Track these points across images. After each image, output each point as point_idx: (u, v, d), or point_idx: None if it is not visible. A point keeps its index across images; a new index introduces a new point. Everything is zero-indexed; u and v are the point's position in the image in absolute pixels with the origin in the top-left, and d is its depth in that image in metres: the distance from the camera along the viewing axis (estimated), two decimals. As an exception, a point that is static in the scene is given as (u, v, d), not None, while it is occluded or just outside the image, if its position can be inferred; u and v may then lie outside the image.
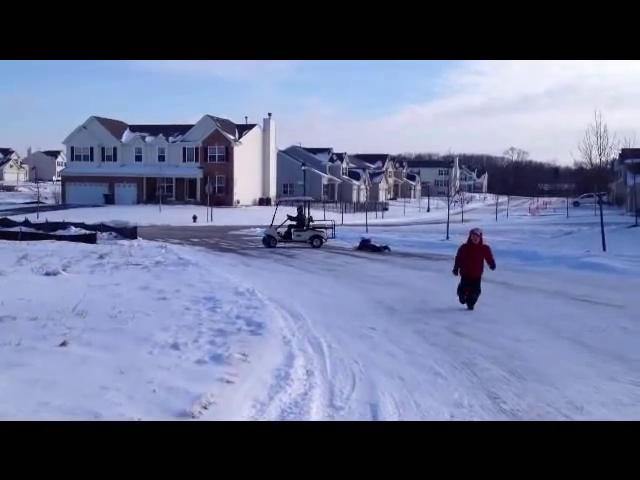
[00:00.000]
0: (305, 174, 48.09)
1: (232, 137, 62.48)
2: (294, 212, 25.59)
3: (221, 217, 46.89)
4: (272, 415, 5.01)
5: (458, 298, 10.53)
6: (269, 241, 24.64)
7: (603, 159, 22.92)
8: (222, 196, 59.25)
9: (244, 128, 64.73)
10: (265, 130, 67.03)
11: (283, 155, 74.42)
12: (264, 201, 65.73)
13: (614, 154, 34.53)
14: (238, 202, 61.69)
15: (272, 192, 68.19)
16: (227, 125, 63.98)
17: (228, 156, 61.73)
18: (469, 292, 10.39)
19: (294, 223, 24.93)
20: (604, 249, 19.45)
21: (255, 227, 37.19)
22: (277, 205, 27.96)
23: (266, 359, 6.71)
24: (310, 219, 25.37)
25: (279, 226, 24.67)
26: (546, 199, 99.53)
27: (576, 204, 73.30)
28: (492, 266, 10.51)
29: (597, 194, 35.69)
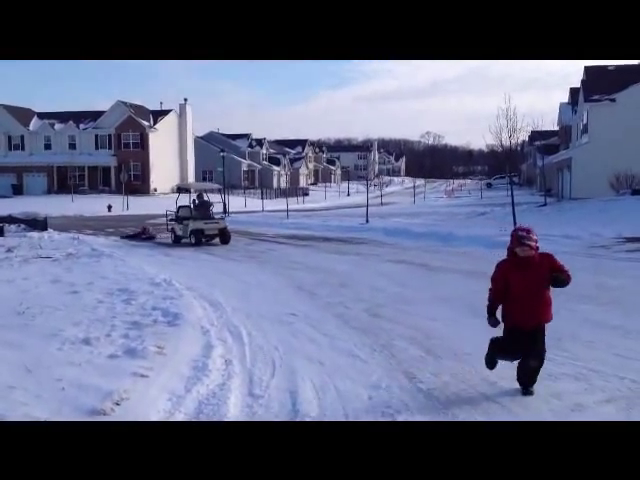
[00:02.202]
0: (224, 160, 47.34)
1: (147, 123, 60.86)
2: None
3: (138, 206, 45.60)
4: (189, 408, 4.89)
5: (488, 364, 5.67)
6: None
7: (513, 141, 23.62)
8: (138, 184, 57.72)
9: (159, 114, 63.15)
10: (181, 116, 65.64)
11: (201, 141, 73.19)
12: (182, 189, 64.49)
13: (523, 136, 35.85)
14: (155, 190, 60.26)
15: (191, 179, 66.96)
16: (141, 111, 62.23)
17: (143, 143, 60.12)
18: (524, 354, 5.33)
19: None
20: (515, 228, 20.16)
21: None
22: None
23: (183, 351, 6.55)
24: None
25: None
26: (461, 181, 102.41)
27: (489, 185, 75.84)
28: (565, 282, 5.34)
29: (508, 175, 36.98)
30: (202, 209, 20.59)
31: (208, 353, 6.46)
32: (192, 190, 23.55)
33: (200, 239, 19.71)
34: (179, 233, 20.46)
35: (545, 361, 6.12)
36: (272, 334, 7.52)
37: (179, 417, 4.69)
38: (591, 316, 8.12)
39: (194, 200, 21.00)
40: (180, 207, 21.22)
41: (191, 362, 6.14)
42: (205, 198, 21.22)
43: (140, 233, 23.17)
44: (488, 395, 5.26)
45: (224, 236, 19.95)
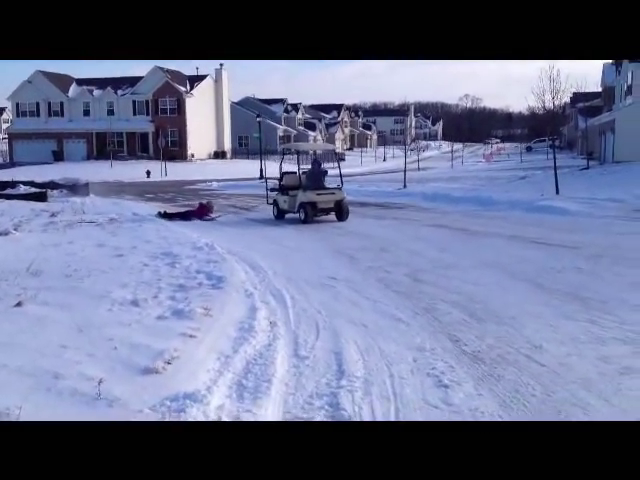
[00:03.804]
0: (260, 126, 47.25)
1: (183, 89, 60.94)
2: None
3: (176, 172, 46.06)
4: (237, 367, 5.00)
5: None
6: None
7: (556, 103, 23.00)
8: (176, 150, 58.09)
9: (195, 79, 63.12)
10: (217, 81, 65.52)
11: (237, 107, 73.04)
12: (219, 154, 64.76)
13: (566, 98, 34.92)
14: (192, 156, 60.62)
15: (227, 145, 67.16)
16: (178, 76, 62.26)
17: (180, 109, 60.29)
18: None
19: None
20: (557, 192, 19.79)
21: (211, 181, 36.68)
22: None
23: (228, 312, 6.66)
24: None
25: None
26: (500, 145, 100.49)
27: (529, 149, 74.22)
28: None
29: (550, 138, 36.17)
30: (314, 177, 16.52)
31: (253, 315, 6.56)
32: (294, 151, 20.19)
33: (312, 214, 15.70)
34: (283, 206, 16.55)
35: (592, 325, 6.10)
36: (314, 297, 7.58)
37: (228, 377, 4.80)
38: (637, 279, 7.98)
39: (312, 162, 17.26)
40: (285, 174, 17.23)
41: (237, 323, 6.24)
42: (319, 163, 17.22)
43: (195, 212, 17.44)
44: (534, 358, 5.23)
45: (341, 211, 15.90)
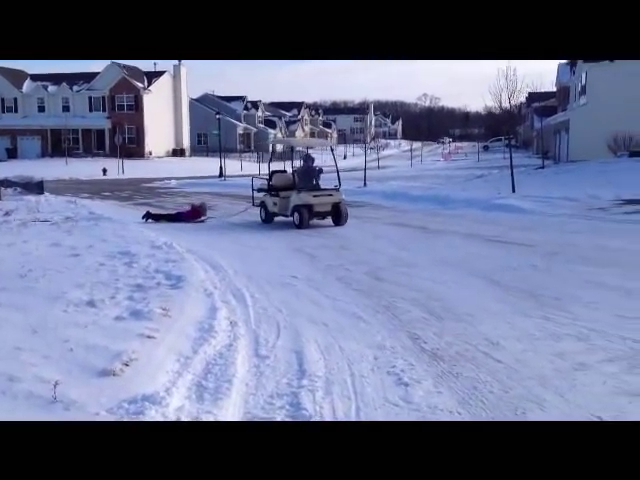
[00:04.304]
0: (220, 123, 46.87)
1: (141, 85, 60.11)
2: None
3: (133, 169, 45.41)
4: (197, 368, 4.96)
5: None
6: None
7: (512, 102, 23.44)
8: (133, 147, 57.28)
9: (153, 75, 62.33)
10: (175, 77, 64.82)
11: (196, 104, 72.37)
12: (178, 152, 64.06)
13: (522, 97, 35.63)
14: (150, 153, 59.84)
15: (186, 142, 66.52)
16: (135, 72, 61.37)
17: (137, 105, 59.46)
18: None
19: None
20: (513, 191, 20.14)
21: (170, 179, 36.28)
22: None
23: (188, 312, 6.59)
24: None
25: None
26: (458, 144, 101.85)
27: (486, 148, 75.47)
28: None
29: (506, 138, 36.80)
30: (308, 175, 14.97)
31: (213, 315, 6.50)
32: (285, 147, 19.35)
33: (307, 218, 14.06)
34: (273, 209, 14.94)
35: (547, 321, 6.24)
36: (275, 296, 7.56)
37: (188, 378, 4.75)
38: (591, 277, 8.18)
39: (304, 159, 15.54)
40: (274, 172, 15.64)
41: (197, 323, 6.18)
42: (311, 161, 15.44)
43: (186, 214, 16.23)
44: (491, 355, 5.32)
45: (339, 214, 14.35)
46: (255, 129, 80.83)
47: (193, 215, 16.12)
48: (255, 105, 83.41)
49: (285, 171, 16.08)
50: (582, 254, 10.02)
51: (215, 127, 48.24)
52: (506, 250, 10.57)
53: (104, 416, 3.95)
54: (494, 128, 75.64)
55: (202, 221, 16.03)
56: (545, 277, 8.35)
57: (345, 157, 74.88)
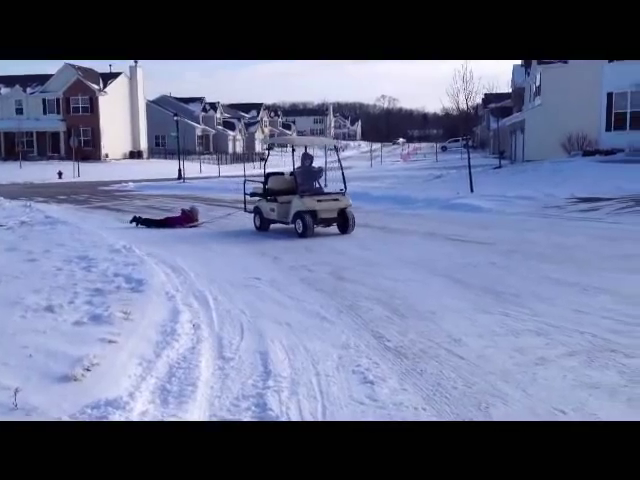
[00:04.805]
0: (178, 125, 46.41)
1: (96, 87, 59.16)
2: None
3: (89, 172, 44.62)
4: (160, 372, 4.89)
5: None
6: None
7: (469, 103, 23.81)
8: (89, 150, 56.35)
9: (109, 77, 61.42)
10: (132, 79, 63.97)
11: (153, 105, 71.56)
12: (135, 154, 63.23)
13: (479, 99, 36.34)
14: (107, 156, 58.92)
15: (143, 145, 65.70)
16: (90, 74, 60.35)
17: (93, 107, 58.52)
18: None
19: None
20: (472, 190, 20.46)
21: (127, 182, 35.76)
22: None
23: (149, 316, 6.50)
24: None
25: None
26: (417, 145, 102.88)
27: (444, 149, 76.40)
28: None
29: (463, 138, 37.33)
30: (308, 178, 13.60)
31: (175, 318, 6.42)
32: (277, 145, 17.00)
33: (312, 226, 12.64)
34: (270, 215, 13.61)
35: (507, 318, 6.34)
36: (238, 298, 7.51)
37: (151, 382, 4.68)
38: (549, 274, 8.36)
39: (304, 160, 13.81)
40: (270, 174, 14.22)
41: (159, 327, 6.09)
42: (311, 162, 14.01)
43: (177, 219, 15.60)
44: (454, 351, 5.39)
45: (346, 221, 12.99)
46: (214, 131, 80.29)
47: (185, 220, 15.35)
48: (214, 107, 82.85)
49: (282, 173, 14.82)
50: (539, 251, 10.22)
51: (173, 129, 47.76)
52: (466, 248, 10.73)
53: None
54: (452, 129, 76.57)
55: (195, 226, 15.20)
56: (504, 274, 8.49)
57: (305, 158, 74.90)
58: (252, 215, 14.36)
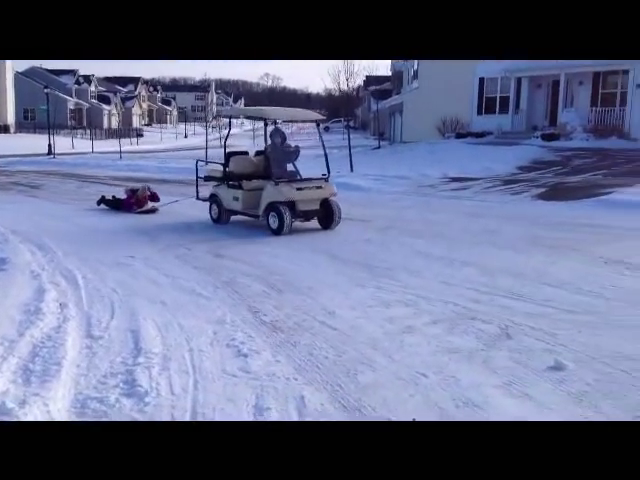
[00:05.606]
0: (48, 98, 43.74)
1: (-44, 54, 54.54)
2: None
3: (-51, 146, 41.19)
4: (23, 352, 4.65)
5: None
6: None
7: (350, 85, 24.23)
8: (-51, 122, 51.96)
9: (-30, 44, 56.77)
10: (-3, 47, 59.50)
11: (22, 77, 67.13)
12: (1, 128, 59.13)
13: (360, 81, 37.00)
14: (-30, 129, 54.66)
15: (10, 118, 61.56)
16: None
17: (-48, 76, 53.96)
18: None
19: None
20: (352, 170, 20.89)
21: (-8, 157, 33.38)
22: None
23: (13, 295, 6.16)
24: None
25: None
26: (300, 124, 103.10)
27: (327, 129, 77.25)
28: None
29: (345, 120, 37.94)
30: (283, 159, 11.13)
31: (40, 297, 6.11)
32: (235, 117, 14.59)
33: (290, 220, 10.07)
34: (231, 206, 11.03)
35: (379, 290, 6.57)
36: (110, 277, 7.27)
37: (13, 362, 4.45)
38: (419, 248, 8.73)
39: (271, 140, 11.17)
40: (232, 154, 11.68)
41: (22, 306, 5.78)
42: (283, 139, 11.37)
43: (125, 201, 13.32)
44: (327, 323, 5.52)
45: (330, 214, 10.58)
46: (88, 105, 76.62)
47: (134, 203, 13.03)
48: (88, 79, 78.99)
49: (246, 152, 12.32)
50: (412, 228, 10.64)
51: (43, 102, 45.02)
52: (344, 225, 10.95)
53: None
54: (335, 110, 77.59)
55: (152, 211, 12.98)
56: (379, 250, 8.78)
57: (186, 136, 73.37)
58: (207, 204, 11.77)
